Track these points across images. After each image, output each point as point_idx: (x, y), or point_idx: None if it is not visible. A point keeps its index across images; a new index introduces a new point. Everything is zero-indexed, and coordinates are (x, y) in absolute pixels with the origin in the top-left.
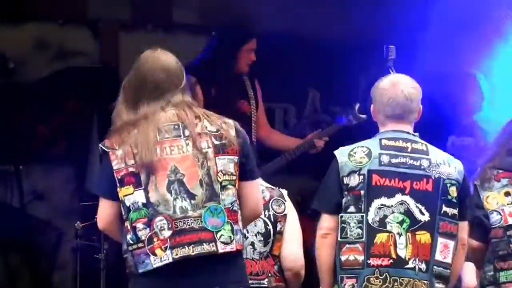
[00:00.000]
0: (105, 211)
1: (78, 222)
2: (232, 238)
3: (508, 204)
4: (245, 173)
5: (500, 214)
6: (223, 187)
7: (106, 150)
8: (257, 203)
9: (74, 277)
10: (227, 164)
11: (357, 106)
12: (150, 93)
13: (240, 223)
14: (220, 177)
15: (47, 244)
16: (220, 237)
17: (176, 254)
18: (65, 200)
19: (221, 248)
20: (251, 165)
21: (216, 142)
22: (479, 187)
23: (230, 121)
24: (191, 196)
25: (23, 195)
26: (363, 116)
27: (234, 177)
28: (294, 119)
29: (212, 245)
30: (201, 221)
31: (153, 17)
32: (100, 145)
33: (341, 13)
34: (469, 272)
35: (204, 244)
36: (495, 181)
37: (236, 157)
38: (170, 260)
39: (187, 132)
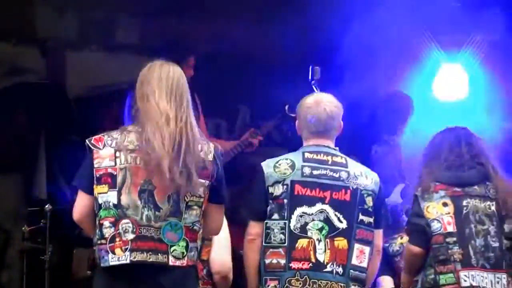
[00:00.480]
0: (81, 203)
1: (25, 226)
2: (185, 254)
3: (446, 213)
4: (214, 197)
5: (440, 223)
6: (188, 207)
7: (91, 148)
8: (218, 226)
9: (21, 276)
10: (197, 186)
11: (286, 107)
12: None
13: (198, 241)
14: (187, 198)
15: None
16: (172, 251)
17: (134, 257)
18: (13, 206)
19: (172, 262)
20: (221, 190)
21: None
22: (420, 198)
23: (212, 146)
24: (157, 208)
25: None
26: (293, 115)
27: (201, 199)
28: (226, 133)
29: (165, 257)
30: (160, 233)
31: (97, 38)
32: (86, 141)
33: (272, 35)
34: (387, 285)
35: (159, 254)
36: (434, 193)
37: (208, 181)
38: (128, 261)
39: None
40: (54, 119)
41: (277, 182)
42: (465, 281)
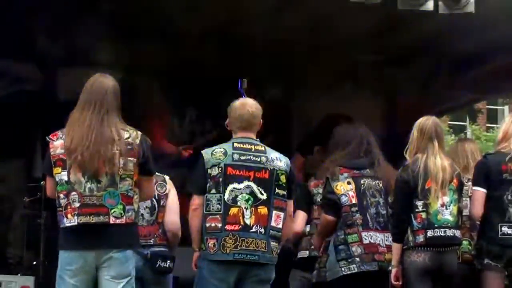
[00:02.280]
0: (49, 184)
1: (26, 198)
2: (123, 215)
3: (350, 190)
4: (144, 171)
5: (347, 197)
6: (122, 179)
7: (48, 140)
8: (150, 193)
9: (22, 234)
10: (127, 163)
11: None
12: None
13: (135, 204)
14: (120, 172)
15: (4, 213)
16: (113, 212)
17: (81, 220)
18: (17, 182)
19: (112, 220)
20: (148, 165)
21: (123, 147)
22: (331, 179)
23: (139, 133)
24: (98, 182)
25: None
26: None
27: (132, 173)
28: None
29: (106, 217)
30: (102, 200)
31: (83, 57)
32: (46, 137)
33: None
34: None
35: (101, 216)
36: (340, 175)
37: (135, 159)
38: (75, 223)
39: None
40: (48, 118)
41: (214, 165)
42: (365, 239)
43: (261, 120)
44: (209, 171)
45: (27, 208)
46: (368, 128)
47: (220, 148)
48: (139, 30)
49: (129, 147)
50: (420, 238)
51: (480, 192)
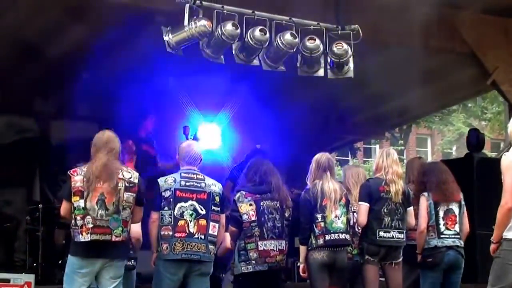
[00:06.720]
0: (64, 206)
1: (27, 217)
2: (121, 234)
3: (250, 210)
4: (138, 202)
5: (247, 215)
6: (124, 208)
7: (70, 175)
8: (140, 217)
9: (25, 244)
10: (129, 197)
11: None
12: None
13: (129, 227)
14: (123, 203)
15: (12, 227)
16: (114, 232)
17: (92, 237)
18: (21, 205)
19: (113, 238)
20: (142, 198)
21: (127, 185)
22: (237, 201)
23: (137, 174)
24: (106, 209)
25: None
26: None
27: (131, 204)
28: None
29: (109, 236)
30: (108, 223)
31: (67, 111)
32: (68, 172)
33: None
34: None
35: (106, 235)
36: (245, 198)
37: (135, 194)
38: (89, 239)
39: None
40: (43, 158)
41: (166, 189)
42: (260, 247)
43: (202, 157)
44: (163, 193)
45: (29, 225)
46: (271, 164)
47: (172, 177)
48: None
49: (131, 185)
50: (320, 241)
51: (365, 206)
